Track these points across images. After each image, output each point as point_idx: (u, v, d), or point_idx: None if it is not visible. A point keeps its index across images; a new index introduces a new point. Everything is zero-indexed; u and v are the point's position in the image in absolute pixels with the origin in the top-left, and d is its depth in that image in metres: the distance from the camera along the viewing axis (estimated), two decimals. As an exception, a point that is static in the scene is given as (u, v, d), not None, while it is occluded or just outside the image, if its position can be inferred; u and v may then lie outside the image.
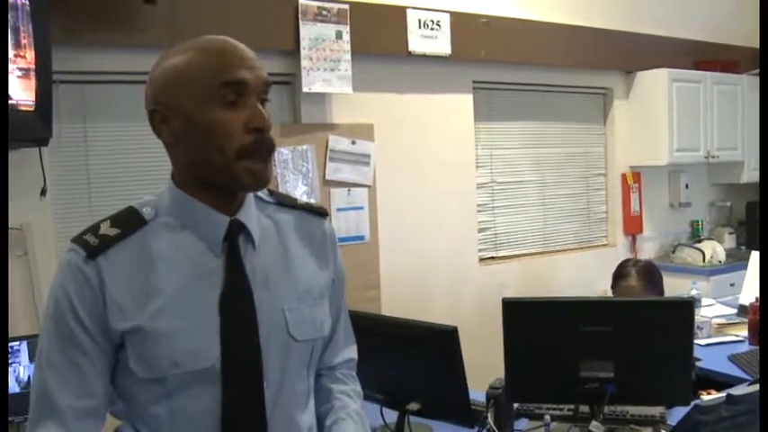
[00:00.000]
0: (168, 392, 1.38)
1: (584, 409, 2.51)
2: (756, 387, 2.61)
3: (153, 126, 1.41)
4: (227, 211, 1.44)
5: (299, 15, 4.24)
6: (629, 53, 5.89)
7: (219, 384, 1.40)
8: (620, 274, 3.56)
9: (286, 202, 1.59)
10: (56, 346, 1.37)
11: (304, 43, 4.25)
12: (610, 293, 3.72)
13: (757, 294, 3.99)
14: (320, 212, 1.63)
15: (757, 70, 6.61)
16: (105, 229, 1.41)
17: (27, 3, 3.01)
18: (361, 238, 4.56)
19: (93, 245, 1.38)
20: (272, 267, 1.49)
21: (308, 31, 4.26)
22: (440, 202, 4.94)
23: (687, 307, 2.43)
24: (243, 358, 1.42)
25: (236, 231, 1.45)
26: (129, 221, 1.43)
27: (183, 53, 1.38)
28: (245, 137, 1.35)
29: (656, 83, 5.91)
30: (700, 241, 6.40)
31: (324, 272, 1.59)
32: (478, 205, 5.26)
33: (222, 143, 1.35)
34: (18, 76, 3.00)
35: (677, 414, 2.56)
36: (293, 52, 4.27)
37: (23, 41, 3.02)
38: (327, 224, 1.64)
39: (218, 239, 1.43)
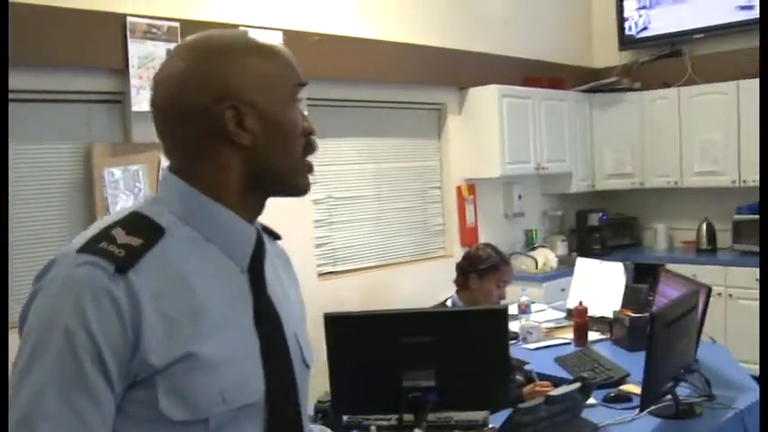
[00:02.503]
0: None
1: (410, 417, 2.57)
2: (574, 386, 2.76)
3: (222, 126, 1.23)
4: (252, 221, 1.32)
5: (128, 33, 4.16)
6: (461, 70, 6.09)
7: (261, 422, 1.23)
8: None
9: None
10: (55, 390, 1.09)
11: (133, 61, 4.18)
12: (449, 302, 3.83)
13: (581, 298, 4.20)
14: (277, 235, 1.53)
15: (582, 86, 6.98)
16: (123, 237, 1.16)
17: None
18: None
19: (120, 256, 1.13)
20: (276, 288, 1.36)
21: (136, 49, 4.19)
22: (276, 217, 4.80)
23: (500, 314, 2.54)
24: (284, 388, 1.29)
25: (261, 244, 1.33)
26: (147, 230, 1.20)
27: (258, 51, 1.27)
28: (302, 137, 1.31)
29: (487, 98, 6.14)
30: (533, 249, 6.67)
31: (300, 295, 1.51)
32: (316, 221, 5.30)
33: (296, 144, 1.29)
34: None
35: (500, 417, 2.67)
36: (122, 70, 4.19)
37: None
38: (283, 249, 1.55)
39: (246, 253, 1.29)
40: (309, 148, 1.32)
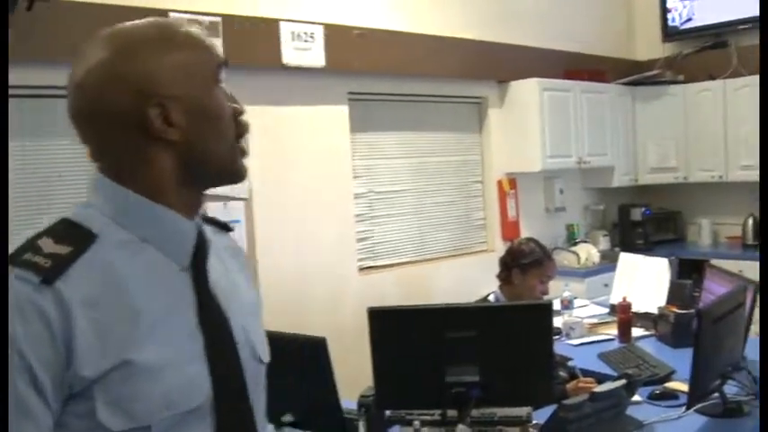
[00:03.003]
0: None
1: (453, 413, 2.56)
2: (619, 383, 2.73)
3: (147, 125, 1.18)
4: (191, 216, 1.25)
5: (170, 28, 4.18)
6: (502, 63, 6.05)
7: (209, 425, 1.19)
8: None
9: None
10: None
11: (175, 57, 4.19)
12: (492, 297, 3.81)
13: (625, 294, 4.15)
14: (228, 227, 1.46)
15: (624, 79, 6.90)
16: (50, 246, 1.12)
17: None
18: (239, 250, 4.51)
19: (46, 266, 1.08)
20: (223, 282, 1.30)
21: (178, 44, 4.20)
22: (317, 212, 4.95)
23: (545, 310, 2.51)
24: (233, 388, 1.23)
25: (202, 239, 1.27)
26: (77, 236, 1.15)
27: (170, 40, 1.22)
28: (232, 120, 1.26)
29: (527, 92, 6.08)
30: (575, 244, 6.61)
31: (253, 289, 1.45)
32: (357, 215, 5.30)
33: (228, 129, 1.25)
34: None
35: (544, 414, 2.65)
36: (164, 65, 4.21)
37: None
38: (234, 240, 1.48)
39: (187, 250, 1.23)
40: (241, 129, 1.27)
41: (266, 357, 1.36)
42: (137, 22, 1.25)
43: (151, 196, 1.20)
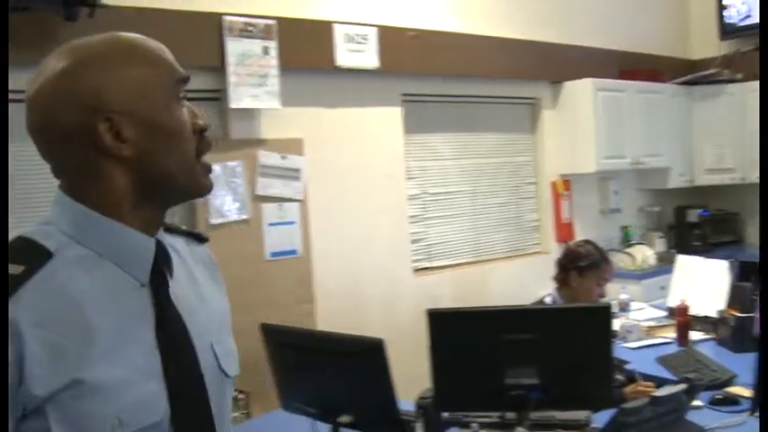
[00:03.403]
0: None
1: (512, 415, 2.54)
2: (679, 387, 2.69)
3: (98, 141, 1.16)
4: (151, 232, 1.24)
5: (225, 32, 4.23)
6: (555, 64, 6.00)
7: None
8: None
9: (171, 227, 1.38)
10: None
11: (230, 59, 4.24)
12: (548, 299, 3.78)
13: (683, 297, 4.09)
14: (203, 238, 1.46)
15: (680, 78, 6.80)
16: None
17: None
18: (294, 252, 4.55)
19: None
20: (190, 296, 1.30)
21: (234, 47, 4.25)
22: (372, 214, 4.96)
23: (604, 312, 2.49)
24: (192, 405, 1.22)
25: (163, 255, 1.25)
26: (30, 255, 1.13)
27: (125, 55, 1.20)
28: (193, 136, 1.24)
29: (581, 93, 6.02)
30: (630, 246, 6.53)
31: (224, 299, 1.45)
32: (411, 216, 5.29)
33: (187, 145, 1.22)
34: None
35: (603, 417, 2.62)
36: (219, 68, 4.26)
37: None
38: (209, 251, 1.47)
39: (146, 266, 1.21)
40: (203, 146, 1.25)
41: (233, 371, 1.35)
42: (95, 36, 1.22)
43: (107, 213, 1.19)
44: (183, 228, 1.41)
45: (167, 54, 1.24)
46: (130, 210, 1.20)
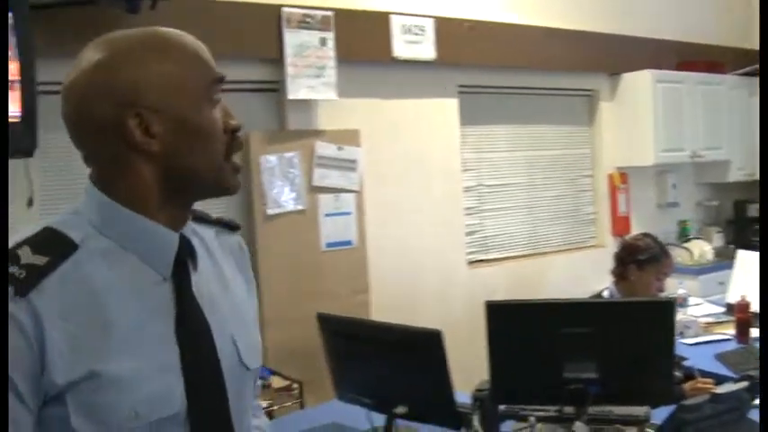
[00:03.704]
0: None
1: (570, 409, 2.52)
2: (741, 385, 2.64)
3: (127, 135, 1.18)
4: (176, 227, 1.26)
5: (283, 23, 4.26)
6: (613, 55, 5.92)
7: (185, 431, 1.20)
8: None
9: (202, 216, 1.40)
10: None
11: (288, 50, 4.27)
12: (606, 293, 3.74)
13: (743, 293, 4.02)
14: (235, 226, 1.47)
15: (742, 70, 6.65)
16: (28, 256, 1.12)
17: (10, 15, 3.03)
18: (349, 243, 4.57)
19: (20, 278, 1.10)
20: (214, 290, 1.32)
21: (291, 38, 4.28)
22: (427, 205, 4.96)
23: (667, 307, 2.45)
24: (209, 398, 1.24)
25: (186, 250, 1.27)
26: (56, 246, 1.16)
27: (160, 51, 1.21)
28: (224, 137, 1.25)
29: (640, 84, 5.94)
30: (688, 240, 6.43)
31: (252, 291, 1.47)
32: (466, 208, 5.29)
33: (216, 145, 1.24)
34: (3, 88, 3.02)
35: (662, 413, 2.59)
36: (277, 60, 4.29)
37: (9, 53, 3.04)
38: (241, 239, 1.49)
39: (168, 261, 1.23)
40: (234, 146, 1.27)
41: (254, 363, 1.36)
42: (134, 30, 1.24)
43: (133, 206, 1.21)
44: (214, 216, 1.42)
45: (204, 53, 1.26)
46: (156, 204, 1.22)
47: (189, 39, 1.26)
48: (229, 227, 1.45)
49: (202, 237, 1.35)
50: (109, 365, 1.12)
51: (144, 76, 1.18)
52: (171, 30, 1.26)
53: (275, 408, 3.93)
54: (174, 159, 1.20)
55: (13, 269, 1.10)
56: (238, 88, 4.31)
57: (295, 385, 4.02)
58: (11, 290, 1.08)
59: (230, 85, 4.37)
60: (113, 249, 1.19)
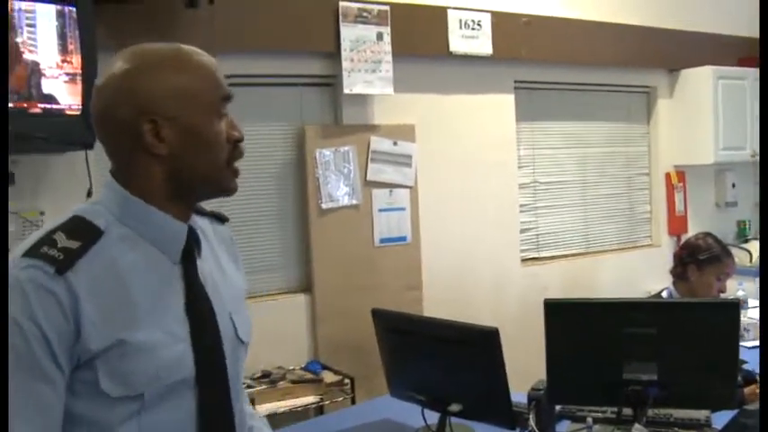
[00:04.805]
0: (140, 409, 1.33)
1: (628, 411, 2.49)
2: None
3: (141, 137, 1.36)
4: (184, 219, 1.45)
5: (340, 17, 4.26)
6: (672, 51, 5.82)
7: (193, 394, 1.40)
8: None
9: (197, 208, 1.56)
10: (18, 383, 1.25)
11: (345, 45, 4.26)
12: (665, 294, 3.68)
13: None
14: (224, 218, 1.68)
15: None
16: (63, 241, 1.31)
17: (73, 10, 3.07)
18: (403, 239, 4.56)
19: (59, 259, 1.28)
20: (214, 273, 1.52)
21: (348, 32, 4.28)
22: (482, 202, 4.93)
23: (733, 309, 2.40)
24: (213, 365, 1.45)
25: (193, 239, 1.47)
26: (86, 232, 1.34)
27: (179, 66, 1.39)
28: (227, 146, 1.43)
29: (700, 80, 5.83)
30: (746, 241, 6.31)
31: (241, 275, 1.66)
32: (521, 205, 5.24)
33: (219, 153, 1.42)
34: (65, 81, 3.08)
35: (722, 417, 2.54)
36: (334, 54, 4.29)
37: (70, 47, 3.09)
38: (230, 230, 1.69)
39: (178, 248, 1.43)
40: (235, 154, 1.45)
41: (247, 337, 1.56)
42: (160, 44, 1.42)
43: (146, 199, 1.40)
44: (208, 210, 1.62)
45: (217, 72, 1.44)
46: (165, 199, 1.41)
47: (206, 58, 1.44)
48: (220, 219, 1.66)
49: (201, 226, 1.54)
50: (134, 335, 1.32)
51: (163, 88, 1.36)
52: (192, 48, 1.44)
53: (326, 403, 3.93)
54: (178, 161, 1.39)
55: (52, 252, 1.29)
56: (294, 82, 4.34)
57: (346, 380, 4.02)
58: (50, 269, 1.26)
59: (286, 79, 4.44)
60: (131, 236, 1.39)
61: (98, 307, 1.29)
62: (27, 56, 2.99)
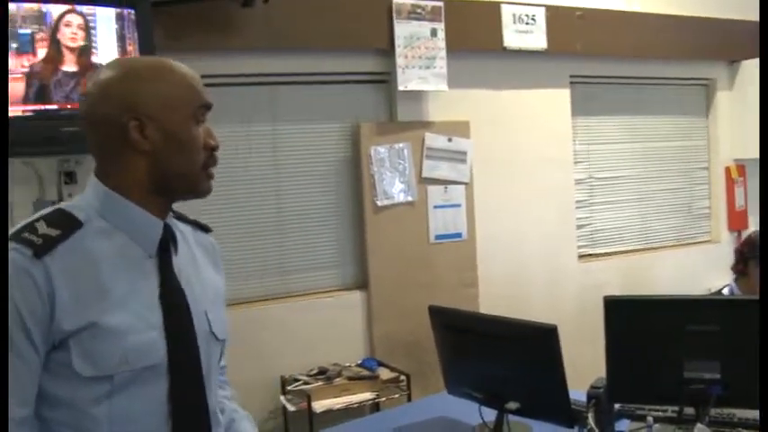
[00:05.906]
0: (111, 392, 1.42)
1: (689, 410, 2.44)
2: None
3: (127, 134, 1.46)
4: (161, 215, 1.55)
5: (394, 14, 4.27)
6: (732, 42, 5.70)
7: (165, 381, 1.47)
8: None
9: (181, 216, 1.69)
10: (6, 354, 1.36)
11: (399, 42, 4.27)
12: (726, 291, 3.62)
13: None
14: (207, 228, 1.78)
15: None
16: (44, 228, 1.43)
17: (132, 12, 3.13)
18: (459, 235, 4.55)
19: (38, 243, 1.39)
20: (189, 271, 1.61)
21: (402, 29, 4.28)
22: (537, 198, 4.90)
23: (799, 306, 2.34)
24: (186, 354, 1.52)
25: (168, 235, 1.56)
26: (66, 223, 1.46)
27: (161, 75, 1.51)
28: (204, 152, 1.54)
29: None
30: (809, 235, 6.16)
31: (220, 278, 1.75)
32: (577, 201, 5.19)
33: (195, 156, 1.53)
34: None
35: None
36: (388, 51, 4.30)
37: (129, 48, 3.15)
38: (213, 239, 1.79)
39: (154, 241, 1.53)
40: (211, 161, 1.56)
41: (223, 335, 1.66)
42: (146, 57, 1.60)
43: (126, 195, 1.50)
44: (191, 218, 1.73)
45: (197, 83, 1.55)
46: (144, 195, 1.51)
47: (186, 70, 1.56)
48: (204, 229, 1.76)
49: (182, 231, 1.65)
50: (105, 318, 1.41)
51: (149, 92, 1.48)
52: (175, 62, 1.55)
53: (382, 400, 3.94)
54: (159, 159, 1.50)
55: (31, 237, 1.40)
56: (348, 80, 4.35)
57: (402, 377, 4.02)
58: (29, 252, 1.38)
59: (340, 77, 4.46)
60: (109, 229, 1.49)
61: (72, 291, 1.39)
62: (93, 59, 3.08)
